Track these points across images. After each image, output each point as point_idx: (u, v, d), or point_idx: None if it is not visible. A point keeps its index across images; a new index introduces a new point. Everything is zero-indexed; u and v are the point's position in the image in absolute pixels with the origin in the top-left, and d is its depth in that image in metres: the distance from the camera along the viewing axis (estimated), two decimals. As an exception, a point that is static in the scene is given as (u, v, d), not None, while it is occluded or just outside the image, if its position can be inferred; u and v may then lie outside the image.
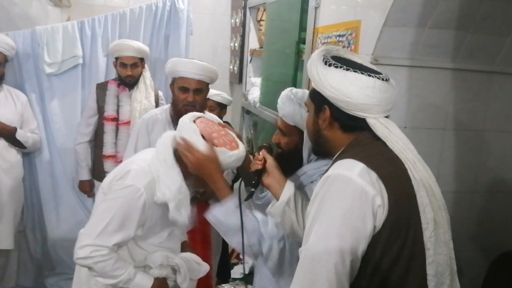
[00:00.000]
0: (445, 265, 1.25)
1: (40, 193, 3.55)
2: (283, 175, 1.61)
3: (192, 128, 1.76)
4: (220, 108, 3.74)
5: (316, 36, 2.69)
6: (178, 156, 1.80)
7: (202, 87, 2.61)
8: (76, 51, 3.49)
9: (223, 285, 3.37)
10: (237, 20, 4.67)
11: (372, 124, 1.31)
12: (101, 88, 3.32)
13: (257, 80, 4.17)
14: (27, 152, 3.42)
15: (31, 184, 3.53)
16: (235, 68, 4.76)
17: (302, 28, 2.93)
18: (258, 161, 1.63)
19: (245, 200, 1.62)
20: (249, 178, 1.67)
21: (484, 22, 2.08)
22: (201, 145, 1.69)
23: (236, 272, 4.07)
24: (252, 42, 4.45)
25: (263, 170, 1.61)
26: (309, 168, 1.77)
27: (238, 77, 4.66)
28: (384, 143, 1.29)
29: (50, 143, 3.54)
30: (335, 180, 1.23)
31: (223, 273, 3.88)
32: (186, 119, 1.81)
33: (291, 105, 1.79)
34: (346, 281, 1.19)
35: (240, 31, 4.57)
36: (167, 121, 2.70)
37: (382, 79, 1.31)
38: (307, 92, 1.79)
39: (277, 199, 1.56)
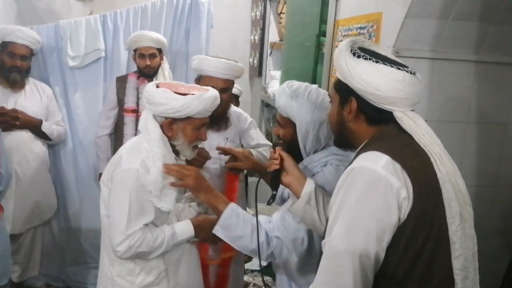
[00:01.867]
0: (470, 260, 1.26)
1: (64, 184, 3.61)
2: (302, 172, 1.61)
3: (159, 91, 1.85)
4: (235, 100, 3.73)
5: (337, 28, 2.69)
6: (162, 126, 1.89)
7: (228, 86, 2.60)
8: (99, 44, 3.52)
9: (242, 276, 3.38)
10: (257, 13, 4.67)
11: (399, 117, 1.30)
12: (121, 81, 3.36)
13: (277, 73, 4.17)
14: (51, 144, 3.48)
15: (56, 175, 3.59)
16: (254, 61, 4.77)
17: (323, 20, 2.93)
18: (274, 160, 1.62)
19: (268, 204, 1.62)
20: (269, 179, 1.66)
21: (508, 13, 2.05)
22: (179, 100, 1.82)
23: (254, 264, 4.10)
24: (272, 35, 4.46)
25: (281, 170, 1.60)
26: (309, 162, 1.78)
27: (258, 70, 4.67)
28: (410, 136, 1.29)
29: (73, 135, 3.59)
30: (360, 173, 1.22)
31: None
32: (149, 89, 1.88)
33: (283, 97, 1.80)
34: (371, 273, 1.19)
35: (260, 24, 4.57)
36: None
37: (410, 73, 1.31)
38: (303, 84, 1.83)
39: (298, 196, 1.55)
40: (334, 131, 1.50)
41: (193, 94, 1.86)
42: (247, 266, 4.01)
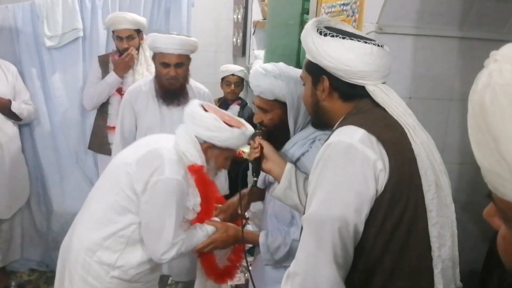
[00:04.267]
0: (447, 227, 1.28)
1: (43, 167, 3.54)
2: (281, 157, 1.65)
3: (211, 118, 1.90)
4: (243, 84, 3.73)
5: (320, 6, 2.63)
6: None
7: (182, 61, 2.67)
8: (76, 23, 3.44)
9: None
10: (240, -9, 4.59)
11: (372, 91, 1.32)
12: (103, 60, 3.29)
13: (261, 53, 4.11)
14: (23, 124, 3.40)
15: (34, 158, 3.52)
16: (238, 40, 4.70)
17: (306, -3, 2.87)
18: (254, 149, 1.66)
19: (251, 189, 1.69)
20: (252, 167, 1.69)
21: (493, -12, 2.02)
22: (228, 132, 1.89)
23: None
24: (256, 14, 4.38)
25: (261, 157, 1.65)
26: (298, 139, 1.76)
27: (242, 50, 4.60)
28: (383, 109, 1.31)
29: (52, 117, 3.52)
30: (336, 147, 1.23)
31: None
32: (198, 111, 1.93)
33: (266, 80, 1.76)
34: (351, 245, 1.20)
35: (243, 3, 4.49)
36: (151, 93, 2.76)
37: (378, 45, 1.32)
38: (275, 64, 1.82)
39: (279, 181, 1.60)
40: (310, 112, 1.51)
41: (239, 128, 1.93)
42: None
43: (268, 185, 1.87)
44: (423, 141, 1.27)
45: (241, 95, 3.87)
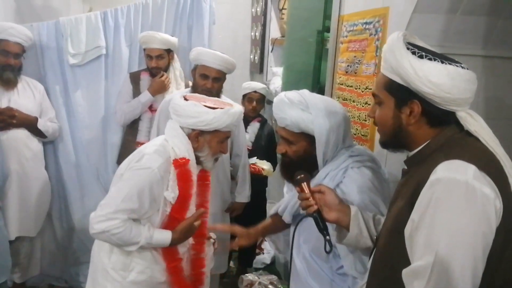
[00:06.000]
0: None
1: (65, 183, 3.57)
2: (341, 200, 1.52)
3: (189, 105, 1.96)
4: (264, 102, 3.78)
5: (341, 24, 2.66)
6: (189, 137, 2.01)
7: (220, 76, 2.89)
8: (99, 41, 3.50)
9: (247, 274, 3.37)
10: (258, 9, 4.64)
11: (463, 118, 1.24)
12: (134, 77, 3.39)
13: (279, 70, 4.15)
14: (47, 142, 3.45)
15: (56, 174, 3.56)
16: (255, 57, 4.75)
17: (326, 16, 2.90)
18: (308, 201, 1.49)
19: (327, 253, 1.50)
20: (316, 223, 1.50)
21: (517, 7, 2.03)
22: (210, 114, 1.94)
23: (258, 262, 4.09)
24: (274, 31, 4.44)
25: (320, 208, 1.48)
26: (329, 170, 1.72)
27: (259, 67, 4.65)
28: (476, 139, 1.23)
29: (74, 134, 3.56)
30: (450, 185, 1.12)
31: (247, 262, 3.91)
32: (178, 101, 2.00)
33: (292, 113, 1.70)
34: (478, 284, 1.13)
35: (261, 20, 4.55)
36: None
37: (467, 69, 1.26)
38: (303, 92, 1.76)
39: (347, 229, 1.48)
40: (386, 134, 1.37)
41: (222, 108, 1.98)
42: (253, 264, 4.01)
43: (296, 216, 1.79)
44: None
45: (261, 112, 3.89)
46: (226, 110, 1.98)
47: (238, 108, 2.07)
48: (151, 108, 3.31)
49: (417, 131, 1.29)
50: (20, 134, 3.19)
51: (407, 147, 1.34)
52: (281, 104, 1.74)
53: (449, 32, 2.05)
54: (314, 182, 1.68)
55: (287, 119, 1.71)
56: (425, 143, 1.28)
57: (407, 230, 1.19)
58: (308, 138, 1.71)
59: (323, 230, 1.47)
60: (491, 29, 2.09)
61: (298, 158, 1.74)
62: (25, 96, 3.25)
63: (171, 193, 1.95)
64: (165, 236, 1.97)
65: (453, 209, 1.11)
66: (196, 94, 2.20)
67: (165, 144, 2.00)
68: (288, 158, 1.76)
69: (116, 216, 1.86)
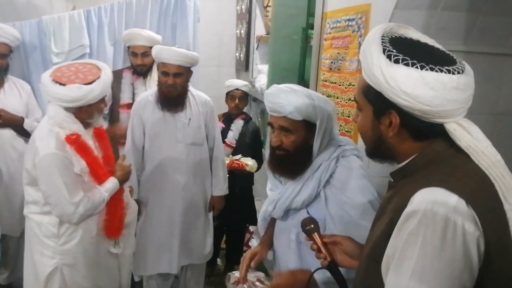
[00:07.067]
0: None
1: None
2: (353, 241, 1.40)
3: (73, 88, 2.10)
4: (247, 99, 3.77)
5: (325, 21, 2.67)
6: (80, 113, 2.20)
7: (181, 71, 2.86)
8: (83, 40, 3.49)
9: (234, 272, 3.37)
10: (242, 7, 4.64)
11: (452, 131, 1.05)
12: (116, 76, 3.33)
13: (264, 67, 4.15)
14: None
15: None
16: (241, 55, 4.75)
17: (310, 13, 2.91)
18: (321, 254, 1.40)
19: None
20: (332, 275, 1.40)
21: (496, 3, 2.05)
22: (94, 90, 2.13)
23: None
24: (259, 28, 4.44)
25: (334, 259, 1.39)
26: (321, 161, 1.72)
27: (245, 65, 4.65)
28: (466, 155, 1.04)
29: (58, 133, 3.54)
30: (427, 220, 0.96)
31: (234, 259, 3.91)
32: (45, 79, 2.15)
33: (296, 98, 1.67)
34: None
35: (246, 18, 4.55)
36: (155, 102, 2.94)
37: (462, 71, 1.06)
38: (293, 85, 1.75)
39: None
40: (369, 145, 1.21)
41: (96, 79, 2.17)
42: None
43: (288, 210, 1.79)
44: None
45: (245, 109, 3.90)
46: (101, 81, 2.17)
47: (108, 71, 2.26)
48: (130, 108, 3.24)
49: (400, 145, 1.11)
50: (6, 134, 3.16)
51: (391, 160, 1.18)
52: (281, 93, 1.71)
53: (431, 28, 2.07)
54: (308, 173, 1.71)
55: (290, 105, 1.67)
56: (410, 158, 1.11)
57: (384, 263, 1.06)
58: (308, 127, 1.71)
59: (339, 281, 1.36)
60: (472, 25, 2.11)
61: (295, 149, 1.72)
62: (11, 96, 3.22)
63: (78, 166, 2.16)
64: (113, 181, 2.30)
65: (427, 249, 0.95)
66: (61, 70, 2.25)
67: (51, 128, 2.15)
68: (283, 150, 1.73)
69: (76, 202, 2.13)
